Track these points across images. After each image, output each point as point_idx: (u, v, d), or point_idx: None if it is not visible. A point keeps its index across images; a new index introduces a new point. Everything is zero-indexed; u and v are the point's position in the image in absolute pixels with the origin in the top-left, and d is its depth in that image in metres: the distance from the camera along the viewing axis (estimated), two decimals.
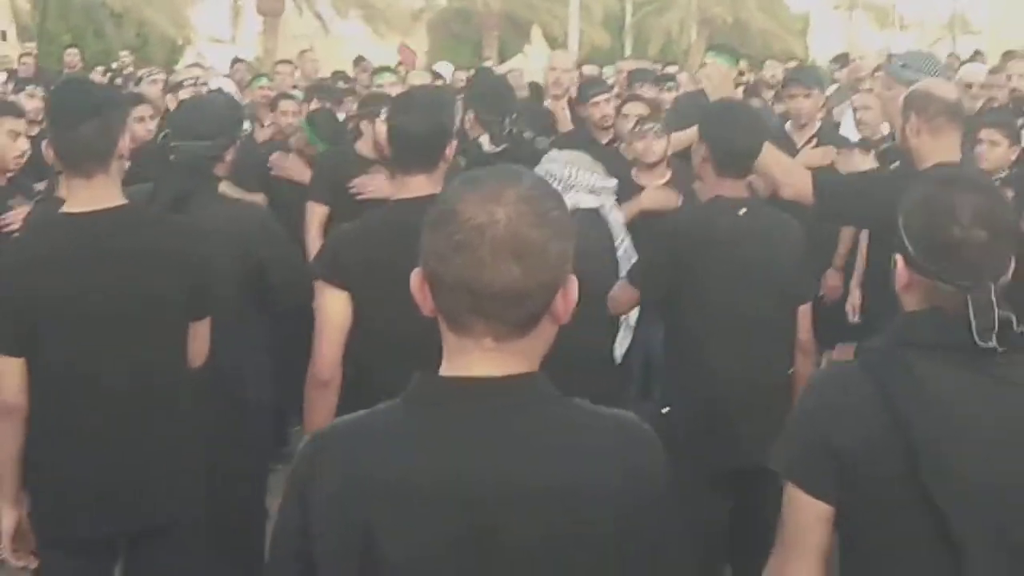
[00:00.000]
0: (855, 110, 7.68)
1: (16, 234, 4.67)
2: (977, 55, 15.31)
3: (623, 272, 4.69)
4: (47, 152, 3.51)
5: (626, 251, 4.95)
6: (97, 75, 14.44)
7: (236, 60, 13.05)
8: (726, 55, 8.14)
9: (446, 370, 1.87)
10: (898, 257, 2.43)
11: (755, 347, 4.21)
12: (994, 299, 2.28)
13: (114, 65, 17.51)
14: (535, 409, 1.85)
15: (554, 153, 4.98)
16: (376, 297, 3.55)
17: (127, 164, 4.64)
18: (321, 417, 3.63)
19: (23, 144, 5.27)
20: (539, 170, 4.84)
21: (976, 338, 2.27)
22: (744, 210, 4.27)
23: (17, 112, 5.44)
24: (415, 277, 1.86)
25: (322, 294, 3.70)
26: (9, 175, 5.31)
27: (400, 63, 17.45)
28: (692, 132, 5.15)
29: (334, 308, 3.66)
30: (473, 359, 1.84)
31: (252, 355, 4.52)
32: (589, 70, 10.51)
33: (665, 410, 4.37)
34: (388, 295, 3.29)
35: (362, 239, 3.72)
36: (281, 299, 4.40)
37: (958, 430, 2.26)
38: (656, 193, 5.94)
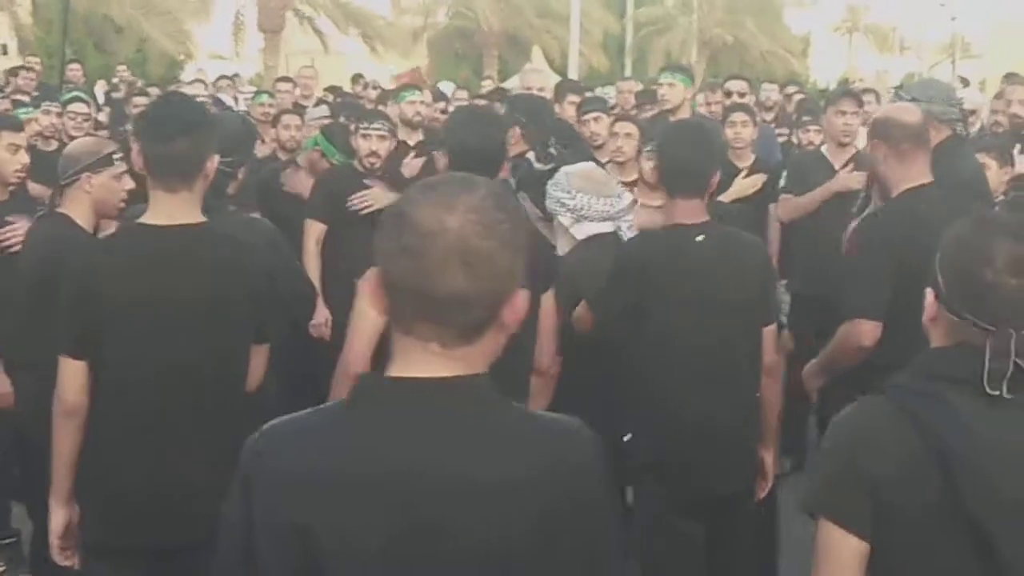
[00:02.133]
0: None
1: (16, 247, 4.69)
2: (963, 81, 15.36)
3: None
4: (136, 160, 3.52)
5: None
6: (99, 89, 14.45)
7: (221, 77, 13.08)
8: (681, 74, 8.19)
9: (392, 371, 1.88)
10: (929, 291, 2.44)
11: (719, 372, 4.16)
12: (1013, 347, 2.28)
13: (114, 79, 17.54)
14: (476, 410, 1.86)
15: (562, 177, 4.94)
16: None
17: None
18: None
19: (23, 158, 5.27)
20: (549, 200, 4.84)
21: (985, 383, 2.28)
22: (702, 236, 4.21)
23: (16, 126, 5.44)
24: (371, 274, 1.88)
25: (363, 291, 3.71)
26: (10, 188, 5.32)
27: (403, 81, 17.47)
28: None
29: (369, 308, 3.66)
30: (418, 361, 1.85)
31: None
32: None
33: (626, 438, 4.31)
34: None
35: None
36: (299, 300, 4.42)
37: (996, 457, 2.25)
38: (639, 218, 5.98)
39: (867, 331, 4.22)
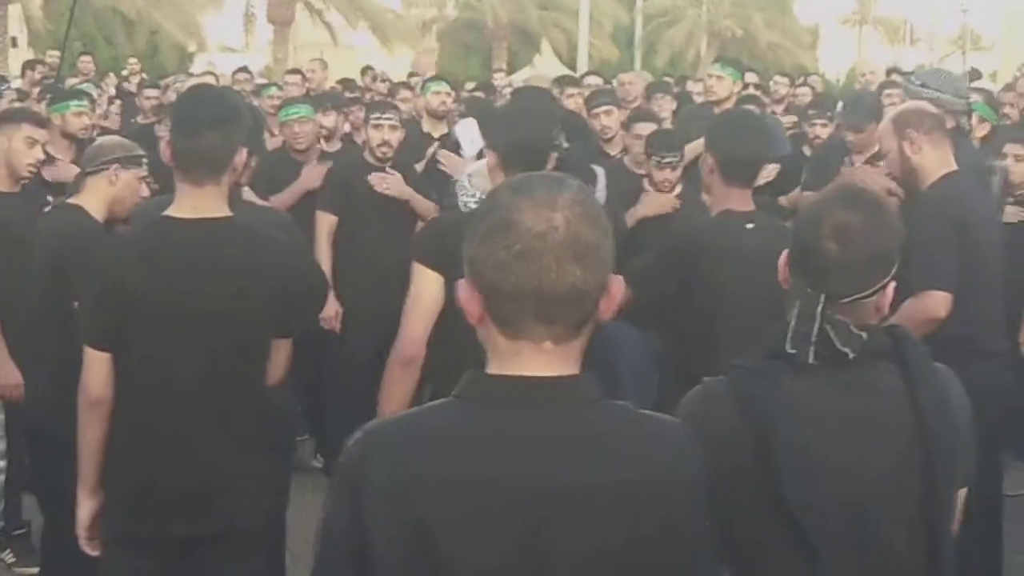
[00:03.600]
0: None
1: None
2: (974, 73, 15.33)
3: None
4: (165, 152, 3.53)
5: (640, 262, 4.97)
6: (110, 82, 14.48)
7: (239, 69, 13.05)
8: (732, 68, 8.18)
9: (497, 370, 1.89)
10: (784, 253, 2.47)
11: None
12: (819, 311, 2.30)
13: (124, 72, 17.57)
14: (585, 409, 1.87)
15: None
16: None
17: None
18: (400, 396, 3.71)
19: (38, 152, 5.28)
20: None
21: (787, 345, 2.31)
22: (751, 224, 4.28)
23: (38, 121, 5.46)
24: (463, 288, 1.88)
25: (419, 274, 3.74)
26: (22, 182, 5.34)
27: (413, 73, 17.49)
28: (700, 143, 5.18)
29: (427, 289, 3.70)
30: (528, 360, 1.86)
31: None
32: (592, 81, 10.51)
33: None
34: None
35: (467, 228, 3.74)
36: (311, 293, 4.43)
37: (815, 445, 2.26)
38: (652, 199, 6.00)
39: (941, 302, 4.29)
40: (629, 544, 1.82)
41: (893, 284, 2.39)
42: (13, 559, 5.62)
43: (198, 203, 3.48)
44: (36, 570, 5.07)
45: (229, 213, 3.56)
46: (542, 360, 1.86)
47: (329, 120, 7.85)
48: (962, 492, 2.45)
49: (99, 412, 3.50)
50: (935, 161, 4.58)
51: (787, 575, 2.30)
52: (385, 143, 6.66)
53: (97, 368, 3.48)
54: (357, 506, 1.85)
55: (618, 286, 1.90)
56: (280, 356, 3.67)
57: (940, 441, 2.30)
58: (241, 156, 3.55)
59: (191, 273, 3.42)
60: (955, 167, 4.59)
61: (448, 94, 8.75)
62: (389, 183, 6.52)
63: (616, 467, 1.83)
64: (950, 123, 5.16)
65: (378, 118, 6.74)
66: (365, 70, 14.48)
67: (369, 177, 6.53)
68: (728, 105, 7.87)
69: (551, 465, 1.81)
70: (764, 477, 2.25)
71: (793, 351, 2.30)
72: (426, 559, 1.79)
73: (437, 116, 8.35)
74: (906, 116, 4.61)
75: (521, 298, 1.82)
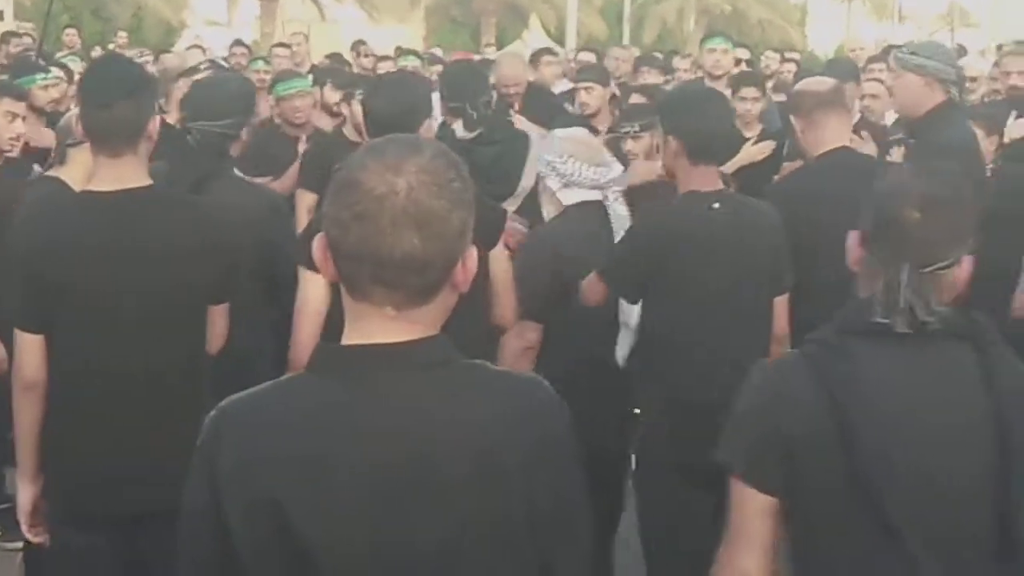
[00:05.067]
0: (861, 97, 7.70)
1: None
2: (961, 49, 15.33)
3: None
4: (76, 127, 3.49)
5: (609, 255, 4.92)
6: (95, 56, 14.37)
7: (236, 43, 12.97)
8: (729, 40, 8.24)
9: (348, 338, 1.87)
10: (855, 232, 2.47)
11: (730, 341, 4.11)
12: (905, 280, 2.31)
13: (110, 46, 17.46)
14: (441, 371, 1.86)
15: (555, 140, 4.90)
16: None
17: None
18: None
19: (19, 126, 5.24)
20: (540, 162, 4.80)
21: (879, 315, 2.32)
22: (717, 204, 4.19)
23: (18, 94, 5.42)
24: (318, 243, 1.86)
25: (302, 279, 3.69)
26: (6, 155, 5.30)
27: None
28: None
29: (312, 293, 3.65)
30: (374, 326, 1.84)
31: (261, 341, 4.52)
32: (585, 56, 10.48)
33: (637, 411, 4.32)
34: None
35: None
36: (290, 284, 4.39)
37: (892, 417, 2.28)
38: (636, 168, 5.93)
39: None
40: (490, 513, 1.81)
41: (971, 258, 2.40)
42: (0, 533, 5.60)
43: (119, 174, 3.44)
44: (20, 544, 5.05)
45: (150, 182, 3.51)
46: (385, 326, 1.83)
47: (335, 96, 7.74)
48: None
49: (33, 395, 3.45)
50: (815, 141, 4.86)
51: (855, 550, 2.31)
52: None
53: (29, 350, 3.43)
54: (212, 485, 1.83)
55: (472, 259, 1.88)
56: (217, 323, 3.63)
57: (1016, 426, 2.30)
58: (154, 124, 3.50)
59: (114, 249, 3.37)
60: (838, 144, 4.83)
61: (417, 68, 8.73)
62: None
63: (472, 428, 1.82)
64: (940, 95, 5.16)
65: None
66: (355, 45, 14.34)
67: (337, 166, 6.47)
68: (725, 80, 7.91)
69: (405, 436, 1.79)
70: (838, 448, 2.26)
71: (886, 320, 2.30)
72: (286, 539, 1.77)
73: None
74: (792, 98, 4.75)
75: (359, 259, 1.80)
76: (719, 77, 7.99)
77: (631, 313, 4.47)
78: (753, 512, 2.38)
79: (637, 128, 5.98)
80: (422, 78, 6.46)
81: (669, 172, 4.38)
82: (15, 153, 5.34)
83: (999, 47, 9.10)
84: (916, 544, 2.24)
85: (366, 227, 1.77)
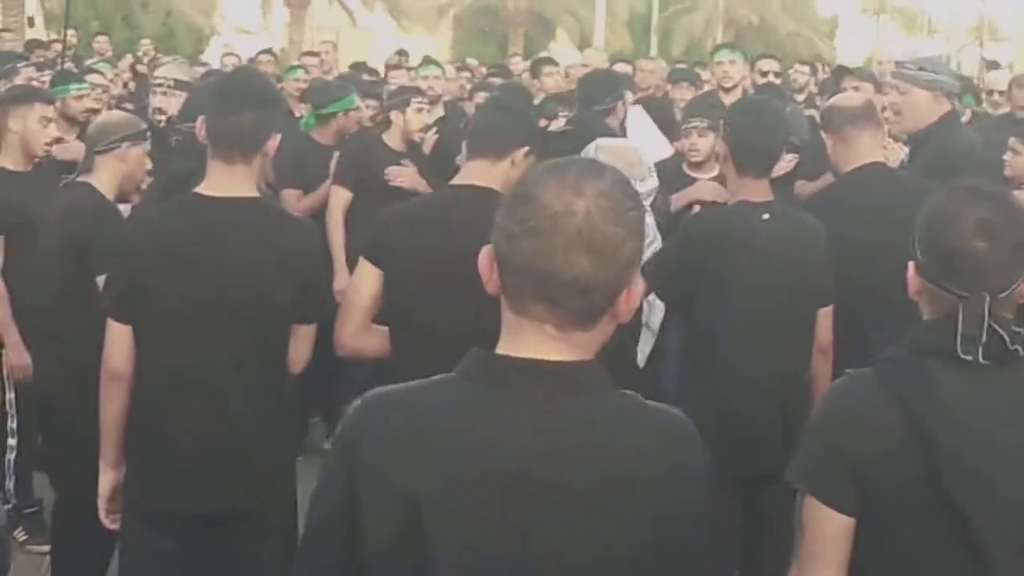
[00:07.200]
0: (883, 109, 7.66)
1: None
2: (991, 64, 15.26)
3: None
4: (199, 130, 3.53)
5: (654, 253, 4.91)
6: (125, 63, 14.46)
7: (263, 51, 12.99)
8: (739, 51, 8.21)
9: (503, 349, 1.87)
10: (911, 264, 2.45)
11: (774, 351, 4.17)
12: (986, 311, 2.28)
13: (138, 52, 17.55)
14: (587, 395, 1.84)
15: (592, 150, 4.89)
16: (411, 282, 3.56)
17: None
18: None
19: (53, 131, 5.32)
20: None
21: (959, 349, 2.28)
22: (767, 215, 4.24)
23: (47, 99, 5.48)
24: (484, 253, 1.87)
25: (360, 266, 3.71)
26: (36, 160, 5.35)
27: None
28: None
29: (363, 283, 3.67)
30: (531, 342, 1.84)
31: None
32: (621, 68, 10.45)
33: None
34: (425, 282, 3.42)
35: (410, 222, 3.72)
36: None
37: (976, 435, 2.26)
38: (707, 184, 5.89)
39: None
40: (618, 541, 1.79)
41: None
42: (25, 537, 5.63)
43: (228, 182, 3.50)
44: (47, 548, 5.08)
45: (256, 194, 3.57)
46: (547, 344, 1.83)
47: (370, 109, 7.79)
48: None
49: (120, 385, 3.51)
50: (845, 157, 4.80)
51: (936, 568, 2.30)
52: (426, 127, 6.81)
53: (118, 341, 3.50)
54: (351, 474, 1.84)
55: (638, 290, 1.87)
56: (303, 342, 3.67)
57: None
58: (274, 141, 3.56)
59: (216, 250, 3.43)
60: (871, 159, 4.74)
61: (437, 78, 8.77)
62: (405, 176, 6.52)
63: (611, 459, 1.80)
64: (947, 106, 5.16)
65: (421, 102, 6.78)
66: (401, 52, 14.26)
67: (387, 171, 6.52)
68: (739, 90, 7.87)
69: (545, 452, 1.78)
70: (919, 466, 2.24)
71: (967, 356, 2.28)
72: (412, 533, 1.78)
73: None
74: (823, 114, 4.75)
75: (524, 273, 1.79)
76: (730, 89, 7.94)
77: (653, 315, 4.48)
78: (828, 531, 2.35)
79: (706, 124, 5.99)
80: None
81: (724, 179, 4.43)
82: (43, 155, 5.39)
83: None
84: (1001, 562, 2.23)
85: (537, 243, 1.77)
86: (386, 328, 3.70)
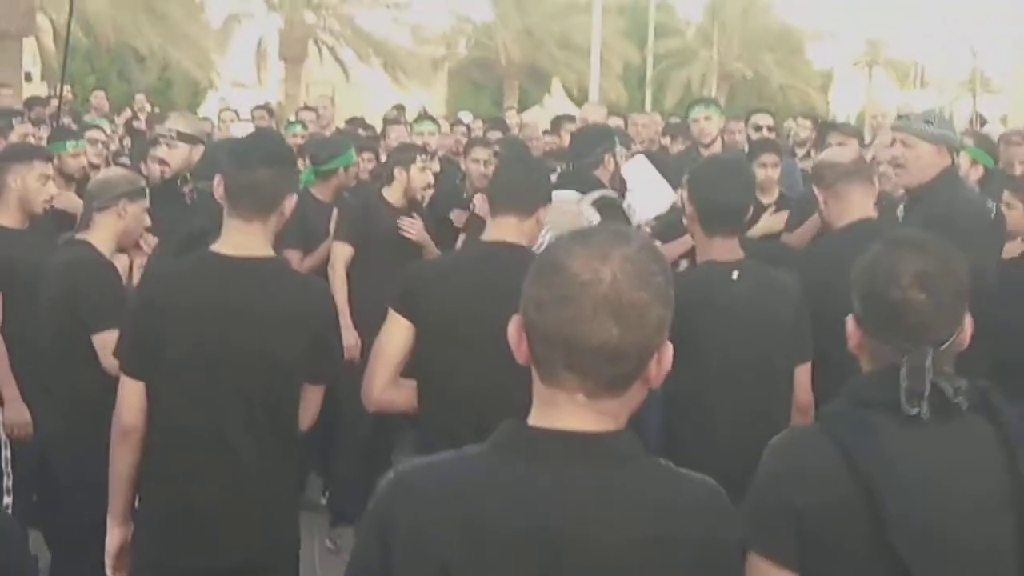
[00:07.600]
0: (878, 163, 7.71)
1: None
2: (981, 119, 15.34)
3: None
4: (217, 187, 3.56)
5: None
6: (123, 118, 14.54)
7: (259, 107, 13.05)
8: (714, 105, 8.26)
9: (535, 420, 1.87)
10: (850, 317, 2.46)
11: (751, 410, 4.07)
12: (929, 364, 2.29)
13: (135, 107, 17.62)
14: (622, 466, 1.85)
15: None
16: (444, 337, 3.59)
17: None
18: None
19: (52, 188, 5.32)
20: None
21: (903, 403, 2.28)
22: (737, 273, 4.15)
23: (46, 156, 5.49)
24: (514, 323, 1.88)
25: (389, 319, 3.73)
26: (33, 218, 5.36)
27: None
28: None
29: (394, 337, 3.69)
30: (564, 412, 1.84)
31: None
32: (613, 121, 10.53)
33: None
34: (458, 337, 3.46)
35: (444, 277, 3.76)
36: None
37: (921, 489, 2.26)
38: (684, 243, 5.92)
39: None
40: None
41: (970, 319, 2.40)
42: None
43: (244, 240, 3.51)
44: None
45: (272, 253, 3.58)
46: (579, 414, 1.84)
47: (369, 163, 7.89)
48: None
49: (131, 440, 3.51)
50: (838, 213, 4.81)
51: None
52: (429, 186, 6.83)
53: (132, 397, 3.50)
54: (385, 547, 1.85)
55: (667, 355, 1.89)
56: (310, 402, 3.68)
57: None
58: (291, 201, 3.58)
59: (229, 307, 3.45)
60: (863, 215, 4.75)
61: (432, 134, 8.88)
62: (414, 229, 6.58)
63: (645, 529, 1.81)
64: (947, 160, 5.19)
65: (425, 161, 6.84)
66: (399, 108, 14.33)
67: (399, 221, 6.57)
68: (717, 144, 7.94)
69: (577, 523, 1.79)
70: (861, 517, 2.24)
71: (913, 411, 2.28)
72: None
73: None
74: (814, 170, 4.76)
75: (553, 342, 1.81)
76: (708, 145, 7.99)
77: None
78: None
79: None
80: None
81: (690, 234, 4.40)
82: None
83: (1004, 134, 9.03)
84: None
85: (566, 311, 1.79)
86: (413, 382, 3.71)
